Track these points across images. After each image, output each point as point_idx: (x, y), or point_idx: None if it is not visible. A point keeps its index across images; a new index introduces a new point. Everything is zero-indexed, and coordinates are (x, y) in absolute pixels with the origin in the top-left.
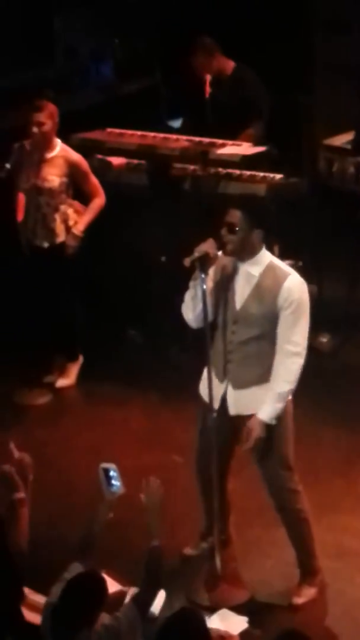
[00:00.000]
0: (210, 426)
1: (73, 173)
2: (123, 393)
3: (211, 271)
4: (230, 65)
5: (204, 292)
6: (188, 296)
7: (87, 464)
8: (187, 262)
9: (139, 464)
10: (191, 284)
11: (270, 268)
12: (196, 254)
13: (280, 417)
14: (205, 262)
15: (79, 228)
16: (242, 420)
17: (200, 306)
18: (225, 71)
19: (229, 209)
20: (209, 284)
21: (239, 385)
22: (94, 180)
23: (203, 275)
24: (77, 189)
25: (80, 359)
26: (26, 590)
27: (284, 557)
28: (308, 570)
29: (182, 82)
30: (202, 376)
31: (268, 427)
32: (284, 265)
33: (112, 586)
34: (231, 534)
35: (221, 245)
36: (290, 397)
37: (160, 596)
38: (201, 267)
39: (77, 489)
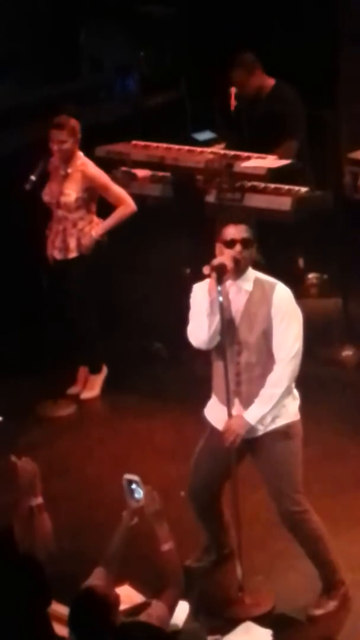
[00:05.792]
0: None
1: (92, 187)
2: (147, 405)
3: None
4: (270, 82)
5: (221, 304)
6: (203, 315)
7: (110, 475)
8: (206, 269)
9: (163, 476)
10: (197, 300)
11: (257, 281)
12: (215, 263)
13: (288, 441)
14: (222, 273)
15: (97, 231)
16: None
17: (216, 321)
18: (264, 88)
19: (226, 226)
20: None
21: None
22: (116, 190)
23: (219, 288)
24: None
25: (105, 370)
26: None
27: (308, 570)
28: (330, 584)
29: (208, 95)
30: (209, 401)
31: (277, 450)
32: (267, 277)
33: (137, 598)
34: (234, 549)
35: (235, 264)
36: (298, 418)
37: (184, 608)
38: (218, 278)
39: (100, 500)
